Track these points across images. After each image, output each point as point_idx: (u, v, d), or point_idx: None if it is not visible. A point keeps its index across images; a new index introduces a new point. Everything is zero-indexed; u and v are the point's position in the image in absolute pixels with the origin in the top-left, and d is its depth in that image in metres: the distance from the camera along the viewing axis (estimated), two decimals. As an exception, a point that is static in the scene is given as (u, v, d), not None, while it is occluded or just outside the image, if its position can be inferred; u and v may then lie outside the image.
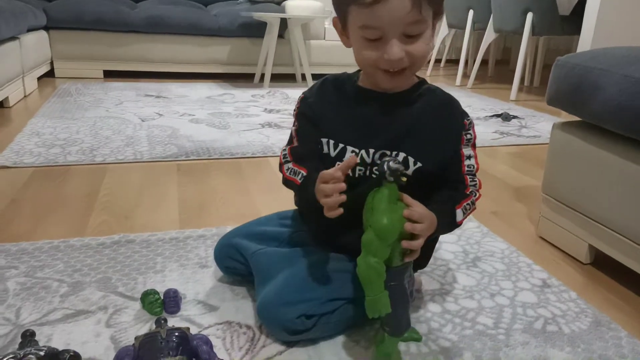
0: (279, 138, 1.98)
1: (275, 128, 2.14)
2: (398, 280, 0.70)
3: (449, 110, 0.83)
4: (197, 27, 3.17)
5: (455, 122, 0.82)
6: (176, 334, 0.72)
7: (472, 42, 3.93)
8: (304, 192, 0.77)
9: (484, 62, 3.67)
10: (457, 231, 1.20)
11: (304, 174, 0.79)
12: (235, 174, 1.59)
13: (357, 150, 0.80)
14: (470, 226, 1.24)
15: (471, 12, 3.51)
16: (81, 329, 0.81)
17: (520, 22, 2.97)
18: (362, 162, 0.81)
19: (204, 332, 0.81)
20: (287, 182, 0.83)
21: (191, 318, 0.85)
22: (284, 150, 0.85)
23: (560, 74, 1.11)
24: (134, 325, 0.82)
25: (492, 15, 3.20)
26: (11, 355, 0.66)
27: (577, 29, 2.60)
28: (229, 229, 1.15)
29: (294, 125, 0.86)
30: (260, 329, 0.82)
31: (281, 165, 0.85)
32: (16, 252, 1.03)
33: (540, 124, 2.41)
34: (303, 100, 0.86)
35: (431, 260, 1.06)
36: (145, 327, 0.82)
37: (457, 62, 3.88)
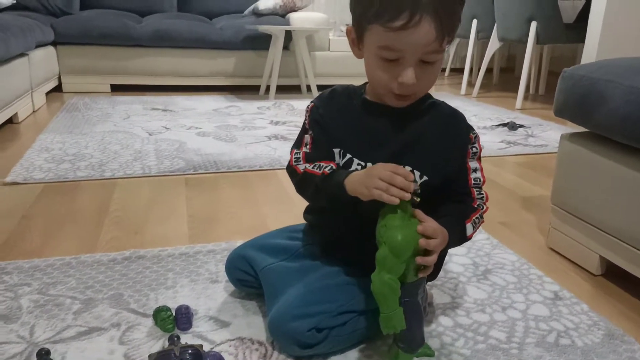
0: (286, 150, 1.99)
1: (282, 140, 2.15)
2: (412, 296, 0.70)
3: (454, 124, 0.84)
4: (203, 41, 3.20)
5: (460, 135, 0.83)
6: (189, 351, 0.72)
7: (477, 51, 3.94)
8: (328, 182, 0.77)
9: (489, 70, 3.67)
10: (467, 243, 1.18)
11: (333, 167, 0.79)
12: (244, 187, 1.59)
13: (362, 163, 0.81)
14: (479, 238, 1.24)
15: (475, 22, 3.52)
16: (95, 346, 0.81)
17: (524, 30, 2.97)
18: None
19: (217, 349, 0.81)
20: (304, 178, 0.81)
21: (203, 334, 0.85)
22: (297, 152, 0.85)
23: (567, 86, 1.11)
24: (147, 342, 0.83)
25: (495, 24, 3.22)
26: (27, 375, 0.66)
27: (581, 37, 2.60)
28: (238, 243, 1.15)
29: (307, 133, 0.86)
30: (272, 345, 0.83)
31: (293, 166, 0.84)
32: (29, 269, 1.04)
33: (547, 132, 2.41)
34: (314, 109, 0.87)
35: (441, 273, 1.06)
36: (158, 344, 0.82)
37: (461, 71, 3.88)
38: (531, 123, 2.59)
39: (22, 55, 2.42)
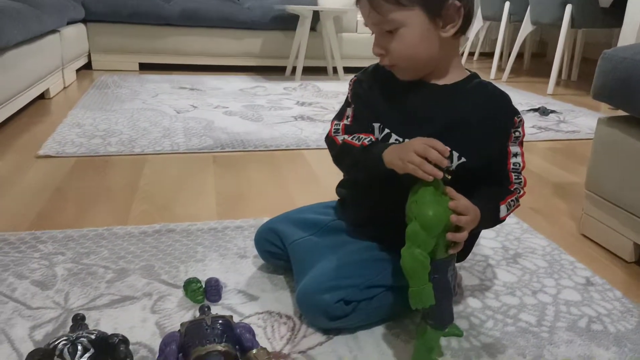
0: (313, 131, 1.98)
1: (309, 121, 2.14)
2: (442, 273, 0.70)
3: (499, 106, 0.81)
4: (231, 20, 3.20)
5: (504, 118, 0.81)
6: (220, 321, 0.73)
7: (507, 35, 3.84)
8: (367, 154, 0.78)
9: (519, 55, 3.58)
10: (495, 227, 1.18)
11: (372, 139, 0.80)
12: (271, 166, 1.60)
13: (400, 139, 0.81)
14: (509, 222, 1.22)
15: (507, 4, 3.43)
16: (127, 314, 0.83)
17: (559, 14, 2.88)
18: None
19: (246, 321, 0.82)
20: (343, 149, 0.81)
21: (232, 307, 0.86)
22: (337, 124, 0.85)
23: (607, 68, 1.07)
24: (178, 311, 0.84)
25: (529, 7, 3.13)
26: (64, 339, 0.68)
27: (617, 22, 2.52)
28: (266, 219, 1.16)
29: (349, 106, 0.86)
30: (300, 319, 0.83)
31: (332, 136, 0.84)
32: (62, 238, 1.07)
33: (579, 118, 2.35)
34: (357, 83, 0.86)
35: (470, 255, 1.05)
36: (189, 314, 0.84)
37: (490, 55, 3.80)
38: (563, 109, 2.53)
39: (54, 31, 2.46)
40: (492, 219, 0.78)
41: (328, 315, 0.78)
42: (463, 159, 0.78)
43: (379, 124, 0.82)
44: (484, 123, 0.79)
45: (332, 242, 0.88)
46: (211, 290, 0.88)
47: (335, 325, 0.79)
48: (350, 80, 0.88)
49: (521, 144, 0.83)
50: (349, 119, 0.84)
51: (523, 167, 0.82)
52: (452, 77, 0.81)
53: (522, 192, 0.82)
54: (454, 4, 0.74)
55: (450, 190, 0.71)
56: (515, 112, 0.81)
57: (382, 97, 0.83)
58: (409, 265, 0.67)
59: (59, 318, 0.81)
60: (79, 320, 0.76)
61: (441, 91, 0.80)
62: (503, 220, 0.80)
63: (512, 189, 0.81)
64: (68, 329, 0.77)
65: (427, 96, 0.80)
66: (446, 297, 0.72)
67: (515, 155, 0.82)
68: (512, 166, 0.81)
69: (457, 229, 0.70)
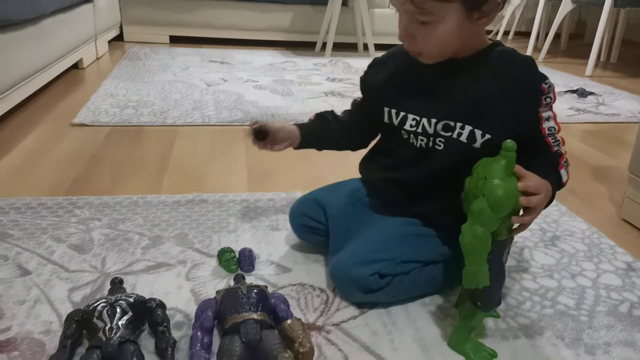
0: (343, 107, 1.94)
1: (339, 97, 2.12)
2: (498, 255, 0.67)
3: (525, 76, 0.76)
4: (262, -6, 3.17)
5: (531, 87, 0.75)
6: (255, 290, 0.73)
7: (545, 14, 3.71)
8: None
9: (556, 35, 3.46)
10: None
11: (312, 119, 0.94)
12: (301, 141, 1.58)
13: (417, 118, 0.79)
14: (546, 204, 1.19)
15: (547, -19, 3.31)
16: (163, 280, 0.84)
17: (602, -8, 2.77)
18: (424, 132, 0.79)
19: (279, 292, 0.82)
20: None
21: (265, 278, 0.86)
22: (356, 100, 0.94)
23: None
24: (212, 280, 0.85)
25: (570, -15, 3.01)
26: (103, 301, 0.69)
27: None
28: (297, 194, 1.15)
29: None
30: (334, 292, 0.83)
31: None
32: (98, 205, 1.08)
33: (619, 102, 2.26)
34: (370, 67, 0.88)
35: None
36: (222, 282, 0.84)
37: (527, 34, 3.68)
38: (602, 91, 2.44)
39: (87, 1, 2.47)
40: (557, 188, 0.75)
41: (362, 288, 0.77)
42: (487, 136, 0.75)
43: (389, 109, 0.82)
44: (507, 95, 0.75)
45: (368, 217, 0.87)
46: (245, 261, 0.88)
47: (369, 298, 0.78)
48: (368, 66, 0.90)
49: (551, 108, 0.78)
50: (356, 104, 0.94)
51: (558, 130, 0.78)
52: (472, 48, 0.77)
53: (564, 151, 0.79)
54: (492, 5, 0.70)
55: (519, 168, 0.67)
56: (544, 78, 0.76)
57: (396, 79, 0.81)
58: (469, 242, 0.65)
59: (97, 281, 0.83)
60: (117, 284, 0.77)
61: (459, 66, 0.77)
62: (565, 185, 0.78)
63: (557, 152, 0.77)
64: (106, 292, 0.78)
65: (444, 72, 0.77)
66: (499, 280, 0.70)
67: (548, 119, 0.76)
68: (547, 132, 0.77)
69: (525, 210, 0.67)
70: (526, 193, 0.66)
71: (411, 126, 0.80)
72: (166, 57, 2.76)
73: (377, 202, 0.90)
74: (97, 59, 2.64)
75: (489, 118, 0.75)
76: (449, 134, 0.78)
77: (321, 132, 0.94)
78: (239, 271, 0.87)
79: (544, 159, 0.76)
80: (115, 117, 1.68)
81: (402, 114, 0.81)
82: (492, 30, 4.10)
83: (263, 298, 0.72)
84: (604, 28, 2.82)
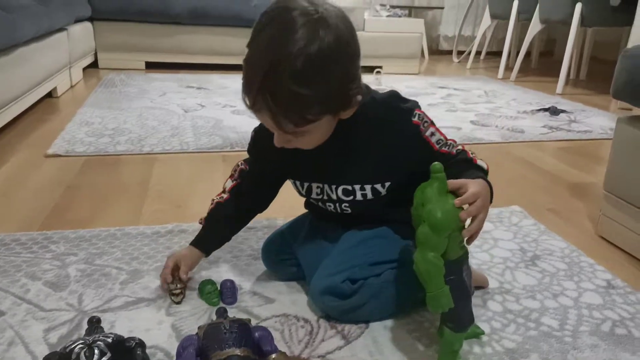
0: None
1: (318, 120, 2.12)
2: (457, 273, 0.68)
3: (396, 126, 0.77)
4: (238, 18, 3.18)
5: (407, 133, 0.77)
6: (238, 324, 0.71)
7: (516, 33, 3.82)
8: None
9: (527, 53, 3.55)
10: (512, 228, 1.17)
11: (204, 223, 0.93)
12: (281, 166, 1.58)
13: (321, 186, 0.84)
14: (526, 223, 1.20)
15: (516, 2, 3.40)
16: (143, 316, 0.82)
17: (569, 12, 2.86)
18: (329, 199, 0.84)
19: (263, 324, 0.81)
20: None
21: (248, 309, 0.85)
22: (240, 164, 0.93)
23: (629, 66, 1.05)
24: (193, 314, 0.83)
25: (538, 5, 3.10)
26: (80, 342, 0.67)
27: (628, 20, 2.49)
28: (279, 220, 1.15)
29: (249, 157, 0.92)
30: (318, 322, 0.82)
31: (231, 175, 0.94)
32: (74, 239, 1.05)
33: (591, 118, 2.32)
34: (256, 140, 0.89)
35: (488, 257, 1.04)
36: (204, 316, 0.82)
37: (498, 54, 3.77)
38: (573, 108, 2.51)
39: (62, 29, 2.45)
40: (486, 177, 0.76)
41: (336, 295, 0.79)
42: (388, 183, 0.80)
43: (293, 180, 0.86)
44: (393, 145, 0.77)
45: (331, 237, 0.89)
46: (226, 292, 0.87)
47: (347, 305, 0.79)
48: (252, 133, 0.89)
49: (432, 124, 0.78)
50: (245, 165, 0.92)
51: (446, 138, 0.80)
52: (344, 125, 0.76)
53: (461, 146, 0.81)
54: (356, 100, 0.71)
55: (452, 182, 0.69)
56: (410, 113, 0.76)
57: (287, 153, 0.77)
58: (423, 269, 0.66)
59: (74, 320, 0.80)
60: (94, 323, 0.75)
61: (337, 130, 0.76)
62: (488, 169, 0.79)
63: (460, 150, 0.80)
64: (83, 331, 0.76)
65: (330, 144, 0.77)
66: (464, 298, 0.70)
67: (432, 134, 0.78)
68: (437, 146, 0.78)
69: (471, 220, 0.69)
70: (465, 203, 0.68)
71: (317, 194, 0.85)
72: (142, 83, 2.74)
73: (333, 224, 0.91)
74: (72, 86, 2.61)
75: (383, 171, 0.79)
76: (350, 197, 0.82)
77: (222, 230, 0.94)
78: (221, 304, 0.85)
79: (456, 163, 0.77)
80: (91, 146, 1.66)
81: (306, 184, 0.84)
82: (464, 51, 4.20)
83: (246, 332, 0.71)
84: (572, 46, 2.91)
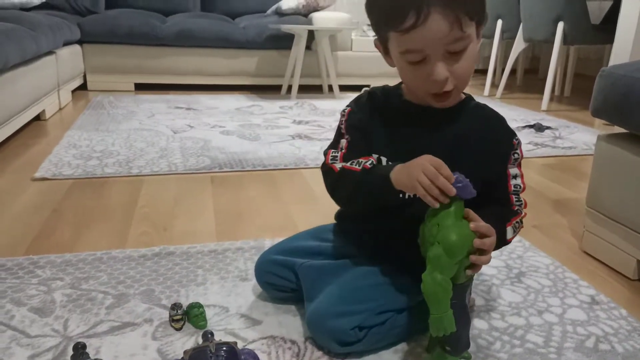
0: (310, 149, 1.98)
1: (306, 139, 2.14)
2: (460, 298, 0.68)
3: (497, 129, 0.82)
4: (226, 40, 3.21)
5: (503, 141, 0.82)
6: (224, 348, 0.71)
7: (500, 52, 3.89)
8: (371, 175, 0.75)
9: (512, 71, 3.62)
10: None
11: (374, 161, 0.78)
12: (269, 186, 1.59)
13: None
14: (511, 240, 1.21)
15: (500, 22, 3.48)
16: (128, 341, 0.81)
17: (551, 31, 2.92)
18: None
19: (249, 347, 0.80)
20: (342, 175, 0.79)
21: (235, 332, 0.85)
22: (334, 152, 0.82)
23: (606, 85, 1.08)
24: (180, 338, 0.82)
25: (521, 25, 3.17)
26: (65, 368, 0.67)
27: (609, 38, 2.56)
28: (266, 241, 1.15)
29: (342, 137, 0.84)
30: (305, 344, 0.82)
31: (329, 164, 0.81)
32: (60, 263, 1.05)
33: (575, 135, 2.36)
34: (351, 114, 0.85)
35: (474, 275, 1.04)
36: (191, 340, 0.82)
37: (483, 72, 3.84)
38: (558, 125, 2.55)
39: (50, 53, 2.46)
40: (499, 241, 0.77)
41: (339, 341, 0.77)
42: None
43: (377, 155, 0.81)
44: (482, 145, 0.80)
45: (342, 264, 0.87)
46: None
47: (345, 350, 0.78)
48: (343, 111, 0.86)
49: (520, 166, 0.83)
50: (343, 150, 0.82)
51: (523, 189, 0.83)
52: (453, 99, 0.80)
53: (524, 213, 0.83)
54: (487, 13, 0.74)
55: (468, 211, 0.70)
56: (513, 134, 0.82)
57: (379, 127, 0.82)
58: (430, 290, 0.66)
59: (59, 346, 0.80)
60: (79, 349, 0.74)
61: (440, 115, 0.80)
62: (509, 242, 0.80)
63: (515, 210, 0.81)
64: (68, 357, 0.75)
65: (426, 122, 0.80)
66: (464, 323, 0.71)
67: (515, 177, 0.82)
68: (512, 188, 0.82)
69: (480, 251, 0.69)
70: (480, 234, 0.68)
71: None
72: (131, 104, 2.75)
73: (349, 249, 0.90)
74: (60, 109, 2.61)
75: (465, 166, 0.77)
76: None
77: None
78: (209, 327, 0.85)
79: (499, 211, 0.79)
80: (78, 169, 1.65)
81: (384, 161, 0.81)
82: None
83: (232, 356, 0.71)
84: (555, 64, 2.96)
